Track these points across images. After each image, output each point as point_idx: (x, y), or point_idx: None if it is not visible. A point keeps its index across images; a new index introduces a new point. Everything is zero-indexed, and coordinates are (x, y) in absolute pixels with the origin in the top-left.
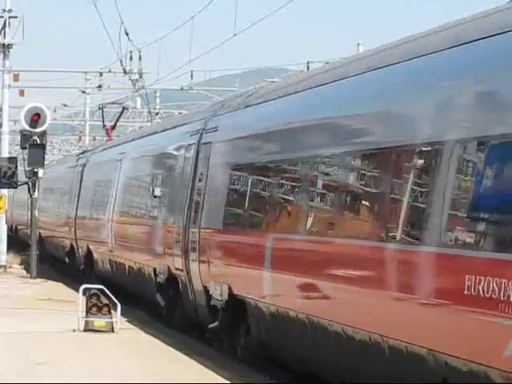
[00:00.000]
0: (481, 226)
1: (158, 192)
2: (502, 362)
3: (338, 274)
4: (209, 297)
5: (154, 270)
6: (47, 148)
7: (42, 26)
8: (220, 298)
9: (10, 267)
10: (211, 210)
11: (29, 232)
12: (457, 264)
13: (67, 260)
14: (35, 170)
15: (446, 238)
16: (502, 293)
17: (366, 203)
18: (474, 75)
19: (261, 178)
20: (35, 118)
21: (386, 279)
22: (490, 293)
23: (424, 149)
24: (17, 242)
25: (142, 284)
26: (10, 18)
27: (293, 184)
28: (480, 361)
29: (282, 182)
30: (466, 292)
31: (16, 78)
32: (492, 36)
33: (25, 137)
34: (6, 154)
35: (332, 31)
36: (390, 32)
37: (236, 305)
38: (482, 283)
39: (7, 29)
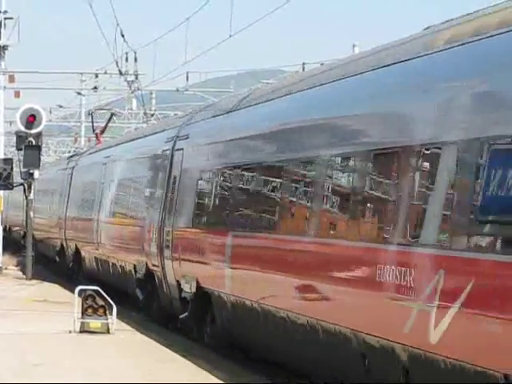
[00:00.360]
0: (385, 221)
1: (137, 194)
2: (404, 337)
3: (282, 267)
4: (181, 290)
5: (134, 266)
6: (43, 149)
7: (37, 28)
8: (189, 291)
9: (6, 269)
10: (183, 210)
11: (23, 233)
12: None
13: (57, 259)
14: (31, 171)
15: (352, 233)
16: (399, 278)
17: (307, 204)
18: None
19: (223, 181)
20: (31, 119)
21: (317, 271)
22: (390, 278)
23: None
24: (11, 243)
25: (123, 280)
26: (5, 19)
27: (248, 187)
28: (390, 338)
29: (240, 184)
30: (377, 279)
31: (11, 79)
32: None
33: (20, 138)
34: (1, 156)
35: (328, 32)
36: (386, 33)
37: (203, 296)
38: (389, 271)
39: (2, 30)
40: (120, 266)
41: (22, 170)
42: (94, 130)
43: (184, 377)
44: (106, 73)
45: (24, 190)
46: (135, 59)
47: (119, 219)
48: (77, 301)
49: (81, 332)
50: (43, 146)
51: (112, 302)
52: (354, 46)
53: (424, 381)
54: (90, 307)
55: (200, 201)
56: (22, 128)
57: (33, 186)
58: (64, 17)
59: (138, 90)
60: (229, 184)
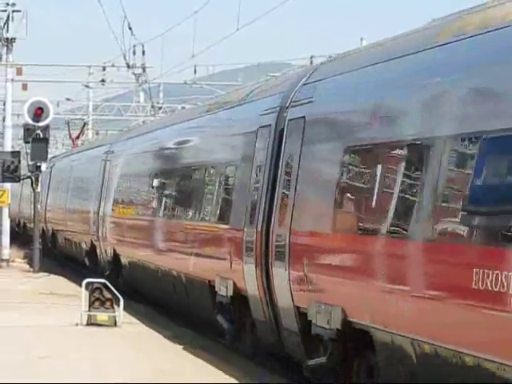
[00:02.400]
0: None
1: (85, 193)
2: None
3: (161, 238)
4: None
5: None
6: (50, 142)
7: (44, 21)
8: (108, 257)
9: (13, 261)
10: (108, 204)
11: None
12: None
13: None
14: (38, 164)
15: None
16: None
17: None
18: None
19: (132, 183)
20: (38, 112)
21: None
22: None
23: None
24: (24, 238)
25: (78, 252)
26: (13, 11)
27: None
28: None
29: (152, 184)
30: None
31: (19, 71)
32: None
33: (28, 131)
34: (8, 148)
35: (336, 25)
36: (393, 25)
37: (116, 259)
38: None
39: (10, 23)
40: (76, 242)
41: (30, 162)
42: (70, 136)
43: (193, 370)
44: (113, 66)
45: (31, 182)
46: (143, 52)
47: (74, 212)
48: (84, 293)
49: (88, 325)
50: (51, 138)
51: (119, 295)
52: (361, 39)
53: None
54: (97, 300)
55: (120, 196)
56: (30, 121)
57: (40, 179)
58: (71, 10)
59: (146, 83)
60: (137, 186)
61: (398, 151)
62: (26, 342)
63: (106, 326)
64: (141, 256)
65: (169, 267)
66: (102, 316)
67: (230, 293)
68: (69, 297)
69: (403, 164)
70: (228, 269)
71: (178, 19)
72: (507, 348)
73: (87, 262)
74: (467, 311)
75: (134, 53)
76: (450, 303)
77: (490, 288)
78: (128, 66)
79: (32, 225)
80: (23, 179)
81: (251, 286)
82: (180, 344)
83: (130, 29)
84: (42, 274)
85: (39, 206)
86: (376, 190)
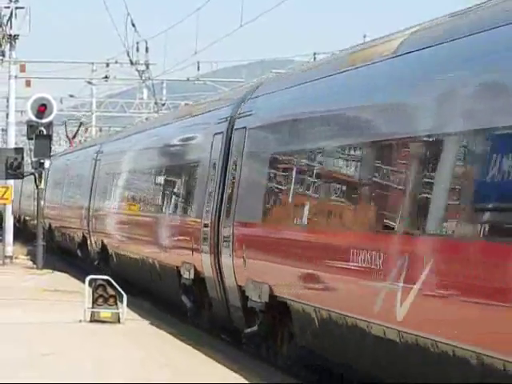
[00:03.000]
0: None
1: (78, 190)
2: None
3: (138, 231)
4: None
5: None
6: (53, 139)
7: (47, 17)
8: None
9: (16, 258)
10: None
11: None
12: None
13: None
14: (41, 160)
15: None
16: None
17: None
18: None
19: (115, 181)
20: (41, 108)
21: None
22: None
23: None
24: (25, 234)
25: (70, 242)
26: (16, 8)
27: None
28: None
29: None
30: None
31: (22, 68)
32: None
33: (31, 127)
34: (12, 145)
35: (339, 21)
36: (397, 21)
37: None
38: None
39: (13, 19)
40: (69, 233)
41: (33, 159)
42: (67, 136)
43: (197, 367)
44: (116, 62)
45: (35, 179)
46: (146, 49)
47: (64, 208)
48: (87, 290)
49: (91, 321)
50: (54, 135)
51: (122, 292)
52: (364, 36)
53: None
54: (101, 297)
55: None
56: (33, 117)
57: (44, 176)
58: (75, 6)
59: (149, 79)
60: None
61: (303, 158)
62: (30, 338)
63: (110, 322)
64: (124, 246)
65: (146, 256)
66: (105, 313)
67: (192, 276)
68: (72, 293)
69: (306, 167)
70: (190, 256)
71: (181, 16)
72: (371, 306)
73: (79, 254)
74: (344, 283)
75: (138, 49)
76: (333, 278)
77: (359, 264)
78: (131, 63)
79: (35, 221)
80: (26, 176)
81: (207, 270)
82: (183, 341)
83: (133, 25)
84: (45, 270)
85: (42, 203)
86: (292, 190)
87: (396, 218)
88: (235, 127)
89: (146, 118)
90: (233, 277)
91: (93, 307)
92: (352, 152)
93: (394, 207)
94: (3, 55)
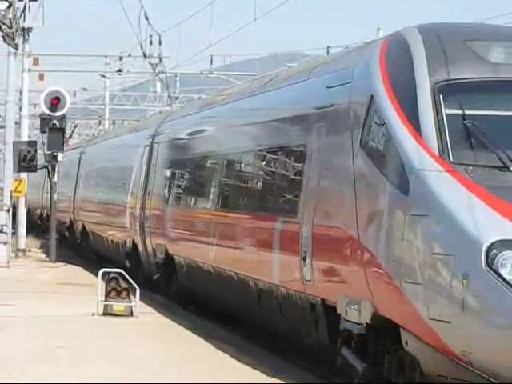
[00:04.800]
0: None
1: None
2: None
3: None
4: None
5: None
6: (66, 132)
7: (61, 10)
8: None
9: (30, 251)
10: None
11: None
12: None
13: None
14: (54, 153)
15: None
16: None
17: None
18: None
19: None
20: (55, 101)
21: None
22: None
23: None
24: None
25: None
26: (29, 1)
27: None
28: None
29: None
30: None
31: (36, 61)
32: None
33: (44, 121)
34: (25, 138)
35: (352, 15)
36: (411, 14)
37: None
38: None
39: (27, 12)
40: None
41: (46, 152)
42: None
43: (210, 361)
44: (130, 55)
45: (48, 172)
46: (159, 42)
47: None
48: (100, 283)
49: (104, 315)
50: (67, 128)
51: (136, 285)
52: (378, 29)
53: None
54: (114, 290)
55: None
56: (46, 111)
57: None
58: (88, 0)
59: (162, 72)
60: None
61: (186, 162)
62: (43, 331)
63: (123, 316)
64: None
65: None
66: (118, 306)
67: (130, 245)
68: (85, 286)
69: (188, 168)
70: (131, 232)
71: (194, 9)
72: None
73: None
74: (201, 243)
75: (151, 43)
76: (196, 240)
77: (204, 230)
78: (145, 56)
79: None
80: (40, 169)
81: (139, 242)
82: (197, 334)
83: (146, 18)
84: (58, 263)
85: (56, 197)
86: (178, 183)
87: (219, 200)
88: (154, 142)
89: (160, 112)
90: (150, 244)
91: (106, 300)
92: (205, 160)
93: (223, 193)
94: (16, 48)
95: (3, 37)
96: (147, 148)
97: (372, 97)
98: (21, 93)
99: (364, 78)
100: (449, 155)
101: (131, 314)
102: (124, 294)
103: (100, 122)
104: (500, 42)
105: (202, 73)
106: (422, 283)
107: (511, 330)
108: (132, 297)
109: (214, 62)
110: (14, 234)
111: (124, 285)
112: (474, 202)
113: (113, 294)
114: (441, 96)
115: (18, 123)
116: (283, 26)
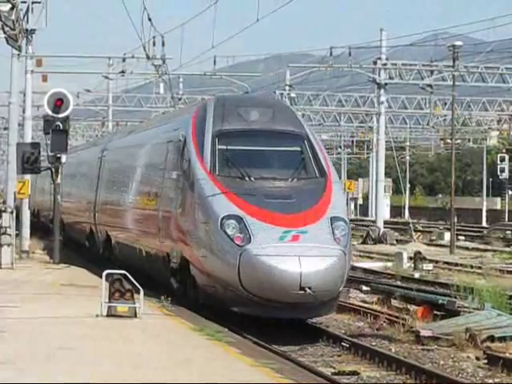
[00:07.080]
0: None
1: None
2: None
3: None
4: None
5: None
6: (70, 133)
7: (64, 12)
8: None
9: (33, 253)
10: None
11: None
12: None
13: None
14: (58, 155)
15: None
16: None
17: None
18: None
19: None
20: (58, 103)
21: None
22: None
23: None
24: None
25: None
26: (32, 3)
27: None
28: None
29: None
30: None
31: (39, 63)
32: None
33: (48, 122)
34: (28, 140)
35: (356, 16)
36: (415, 14)
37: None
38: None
39: (30, 14)
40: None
41: (50, 154)
42: None
43: (215, 363)
44: (133, 57)
45: (51, 174)
46: (162, 43)
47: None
48: (104, 285)
49: (108, 316)
50: (71, 130)
51: (139, 286)
52: (381, 30)
53: None
54: (118, 291)
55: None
56: (50, 112)
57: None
58: (91, 1)
59: (166, 74)
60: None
61: (117, 170)
62: (46, 332)
63: (127, 317)
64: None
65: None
66: (122, 307)
67: (89, 230)
68: (89, 288)
69: (117, 174)
70: (88, 218)
71: (197, 10)
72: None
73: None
74: (119, 224)
75: (154, 44)
76: (117, 223)
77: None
78: (148, 57)
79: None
80: (43, 170)
81: (95, 226)
82: (201, 335)
83: (149, 20)
84: (62, 265)
85: (59, 198)
86: (110, 183)
87: (125, 197)
88: (103, 154)
89: (163, 112)
90: (98, 227)
91: (109, 302)
92: (124, 170)
93: (126, 192)
94: (20, 50)
95: (6, 39)
96: (99, 159)
97: (185, 137)
98: (24, 94)
99: (185, 126)
100: (215, 171)
101: (135, 316)
102: (128, 295)
103: (103, 124)
104: (254, 107)
105: (205, 74)
106: (197, 238)
107: (229, 262)
108: (136, 298)
109: (218, 63)
110: (17, 235)
111: (128, 286)
112: (219, 194)
113: (117, 295)
114: (217, 139)
115: (21, 125)
116: (287, 26)
